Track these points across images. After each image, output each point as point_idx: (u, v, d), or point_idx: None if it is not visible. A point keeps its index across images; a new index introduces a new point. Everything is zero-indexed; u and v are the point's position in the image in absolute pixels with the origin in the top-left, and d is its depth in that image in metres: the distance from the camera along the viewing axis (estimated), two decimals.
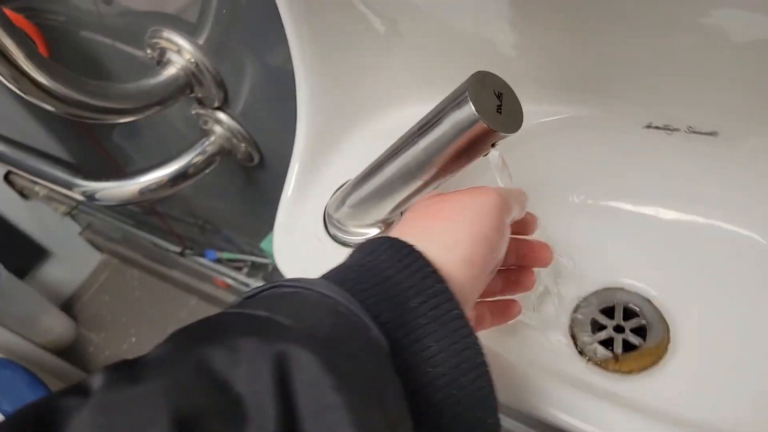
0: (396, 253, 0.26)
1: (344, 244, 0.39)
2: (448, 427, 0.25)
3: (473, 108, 0.28)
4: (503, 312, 0.35)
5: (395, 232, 0.29)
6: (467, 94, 0.28)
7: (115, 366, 0.21)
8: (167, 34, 0.50)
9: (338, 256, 0.31)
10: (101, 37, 0.58)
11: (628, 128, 0.39)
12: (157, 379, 0.19)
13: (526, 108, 0.29)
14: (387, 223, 0.38)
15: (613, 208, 0.41)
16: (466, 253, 0.27)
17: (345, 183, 0.40)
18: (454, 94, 0.29)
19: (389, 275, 0.26)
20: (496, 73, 0.30)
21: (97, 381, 0.20)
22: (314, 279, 0.26)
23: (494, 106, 0.28)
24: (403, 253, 0.26)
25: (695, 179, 0.38)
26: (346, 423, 0.19)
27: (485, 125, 0.28)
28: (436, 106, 0.30)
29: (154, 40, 0.51)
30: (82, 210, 1.27)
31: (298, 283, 0.25)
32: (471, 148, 0.30)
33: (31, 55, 0.42)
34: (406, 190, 0.34)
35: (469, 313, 0.28)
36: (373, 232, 0.38)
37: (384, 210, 0.36)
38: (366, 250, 0.27)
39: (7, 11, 0.56)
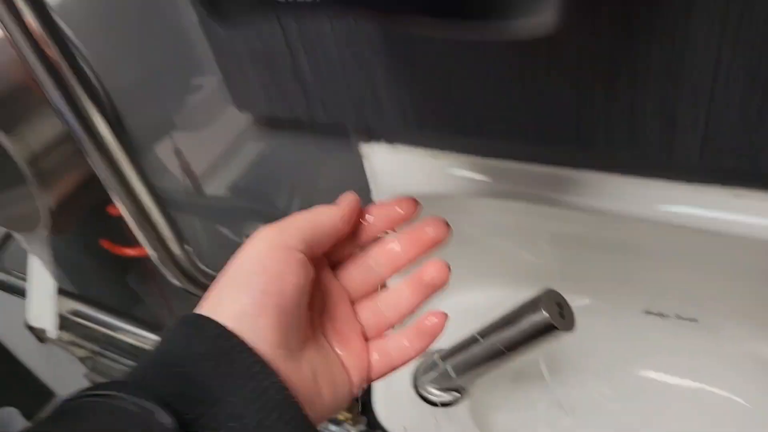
0: (186, 329, 0.27)
1: (425, 399, 0.51)
2: None
3: (546, 314, 0.41)
4: (421, 332, 0.34)
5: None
6: (541, 304, 0.41)
7: None
8: None
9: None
10: None
11: (631, 313, 0.52)
12: None
13: None
14: (462, 389, 0.50)
15: (617, 374, 0.54)
16: (239, 306, 0.28)
17: (429, 356, 0.52)
18: (530, 303, 0.42)
19: (182, 354, 0.26)
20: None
21: None
22: (100, 384, 0.26)
23: (557, 313, 0.42)
24: (191, 325, 0.27)
25: (684, 354, 0.51)
26: None
27: (553, 325, 0.41)
28: (515, 310, 0.43)
29: None
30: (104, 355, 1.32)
31: (88, 393, 0.25)
32: (538, 340, 0.42)
33: None
34: (484, 367, 0.46)
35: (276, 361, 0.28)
36: (450, 396, 0.50)
37: (465, 381, 0.48)
38: (163, 337, 0.28)
39: None
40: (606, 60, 0.32)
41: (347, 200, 0.34)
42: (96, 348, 1.26)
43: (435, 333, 0.34)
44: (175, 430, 0.23)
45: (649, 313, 0.51)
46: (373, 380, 0.34)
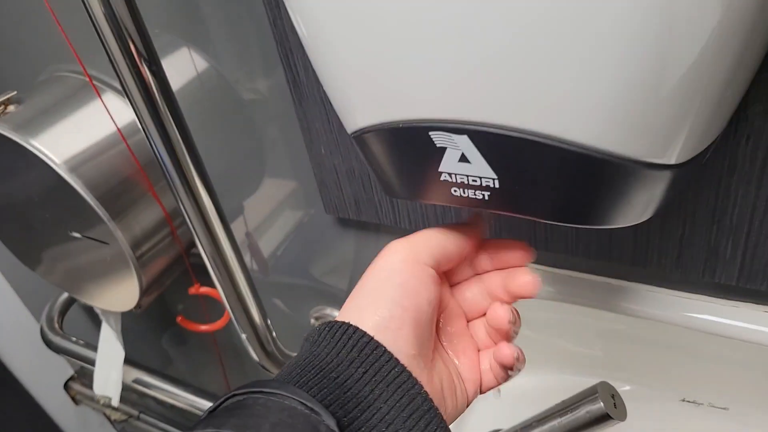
0: (333, 336, 0.28)
1: None
2: None
3: (602, 405, 0.47)
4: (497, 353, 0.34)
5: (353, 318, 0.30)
6: (598, 395, 0.48)
7: None
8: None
9: None
10: None
11: (668, 401, 0.58)
12: None
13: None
14: None
15: None
16: (379, 317, 0.29)
17: None
18: (586, 393, 0.49)
19: (330, 359, 0.27)
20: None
21: None
22: (268, 380, 0.27)
23: (611, 404, 0.48)
24: (338, 332, 0.28)
25: None
26: None
27: (609, 415, 0.47)
28: (571, 398, 0.50)
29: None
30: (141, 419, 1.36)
31: (250, 389, 0.26)
32: (592, 427, 0.49)
33: None
34: None
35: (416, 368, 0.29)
36: None
37: None
38: (309, 342, 0.29)
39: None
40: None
41: (476, 223, 0.34)
42: (133, 411, 1.31)
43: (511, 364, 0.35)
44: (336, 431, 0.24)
45: (684, 401, 0.58)
46: (483, 392, 0.35)
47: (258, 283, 0.63)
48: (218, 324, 0.73)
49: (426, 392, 0.27)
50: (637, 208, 0.26)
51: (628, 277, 0.47)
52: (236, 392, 0.26)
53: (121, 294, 0.69)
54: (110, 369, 0.82)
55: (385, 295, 0.29)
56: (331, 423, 0.24)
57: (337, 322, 0.29)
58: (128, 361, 0.83)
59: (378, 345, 0.27)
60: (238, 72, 0.59)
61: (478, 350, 0.36)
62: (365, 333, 0.28)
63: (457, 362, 0.34)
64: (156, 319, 0.91)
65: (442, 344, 0.35)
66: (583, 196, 0.25)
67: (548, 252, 0.47)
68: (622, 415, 0.48)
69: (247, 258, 0.75)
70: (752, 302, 0.43)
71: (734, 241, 0.39)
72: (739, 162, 0.35)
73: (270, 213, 0.71)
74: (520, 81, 0.22)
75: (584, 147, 0.23)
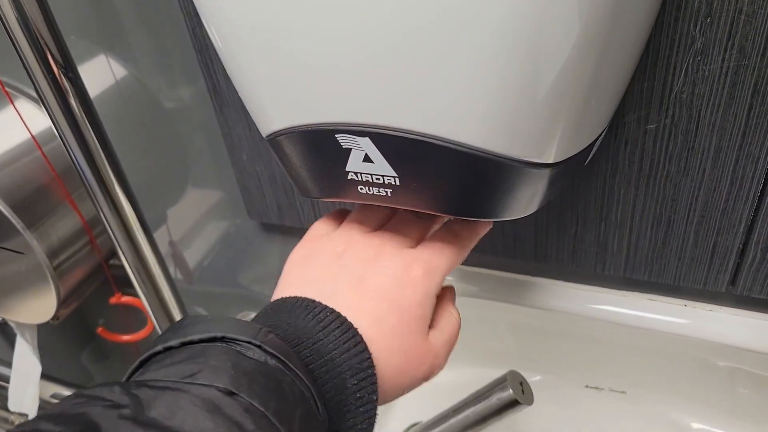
0: (342, 335, 0.29)
1: None
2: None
3: (511, 392, 0.51)
4: None
5: (347, 305, 0.30)
6: (507, 383, 0.51)
7: None
8: None
9: None
10: None
11: (574, 387, 0.63)
12: None
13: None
14: None
15: None
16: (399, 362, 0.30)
17: (410, 427, 0.61)
18: (497, 382, 0.52)
19: (334, 357, 0.28)
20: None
21: None
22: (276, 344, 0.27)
23: (520, 390, 0.52)
24: (348, 337, 0.29)
25: (616, 420, 0.62)
26: None
27: (517, 401, 0.51)
28: (483, 388, 0.53)
29: None
30: None
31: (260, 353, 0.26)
32: (504, 414, 0.52)
33: None
34: None
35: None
36: None
37: None
38: (317, 324, 0.29)
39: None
40: (557, 205, 0.44)
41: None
42: None
43: None
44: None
45: (587, 387, 0.63)
46: None
47: (183, 292, 0.63)
48: (142, 334, 0.72)
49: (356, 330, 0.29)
50: (522, 202, 0.29)
51: (532, 272, 0.51)
52: (239, 338, 0.27)
53: (37, 306, 0.67)
54: (26, 384, 0.79)
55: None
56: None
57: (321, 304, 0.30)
58: (45, 376, 0.80)
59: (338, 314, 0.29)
60: (158, 80, 0.60)
61: None
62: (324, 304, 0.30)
63: None
64: (75, 331, 0.89)
65: None
66: (474, 192, 0.28)
67: None
68: (530, 400, 0.52)
69: (171, 267, 0.75)
70: (638, 291, 0.48)
71: (619, 236, 0.43)
72: (620, 164, 0.40)
73: (195, 221, 0.72)
74: (413, 88, 0.25)
75: (472, 148, 0.26)
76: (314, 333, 0.29)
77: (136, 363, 0.27)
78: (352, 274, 0.32)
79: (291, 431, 0.24)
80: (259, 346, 0.26)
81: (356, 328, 0.29)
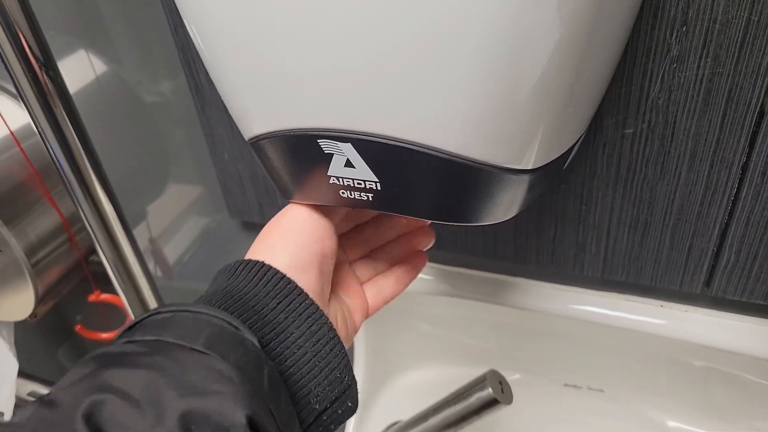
0: (249, 271, 0.32)
1: None
2: (317, 393, 0.30)
3: (491, 391, 0.51)
4: (407, 269, 0.41)
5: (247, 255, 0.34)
6: (486, 382, 0.52)
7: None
8: None
9: None
10: None
11: (553, 385, 0.64)
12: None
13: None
14: None
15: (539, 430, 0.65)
16: (290, 258, 0.32)
17: (390, 426, 0.61)
18: (477, 381, 0.53)
19: (247, 290, 0.31)
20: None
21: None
22: (190, 303, 0.30)
23: (499, 389, 0.52)
24: (254, 268, 0.32)
25: (594, 418, 0.63)
26: (232, 399, 0.24)
27: (496, 400, 0.51)
28: (464, 387, 0.53)
29: None
30: None
31: (177, 308, 0.29)
32: (483, 413, 0.53)
33: None
34: None
35: (322, 295, 0.33)
36: None
37: None
38: (225, 276, 0.33)
39: None
40: (537, 207, 0.44)
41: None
42: None
43: (418, 268, 0.42)
44: (258, 346, 0.28)
45: (566, 385, 0.63)
46: (370, 315, 0.41)
47: (163, 288, 0.63)
48: (119, 332, 0.72)
49: (330, 322, 0.32)
50: (502, 207, 0.29)
51: (512, 272, 0.52)
52: (160, 309, 0.29)
53: (14, 303, 0.67)
54: (2, 382, 0.78)
55: (296, 239, 0.33)
56: (252, 338, 0.28)
57: (252, 260, 0.32)
58: (23, 373, 0.79)
59: (290, 281, 0.31)
60: (140, 76, 0.59)
61: (361, 284, 0.41)
62: (279, 270, 0.32)
63: (344, 297, 0.39)
64: (53, 328, 0.88)
65: (333, 284, 0.39)
66: (454, 197, 0.28)
67: (439, 251, 0.51)
68: (509, 399, 0.52)
69: (151, 264, 0.75)
70: (616, 292, 0.49)
71: (597, 238, 0.44)
72: (598, 168, 0.40)
73: (175, 218, 0.71)
74: (394, 95, 0.25)
75: (452, 154, 0.26)
76: (229, 283, 0.32)
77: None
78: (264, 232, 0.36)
79: (194, 341, 0.26)
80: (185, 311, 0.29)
81: (259, 261, 0.32)
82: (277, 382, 0.28)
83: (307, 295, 0.31)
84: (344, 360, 0.32)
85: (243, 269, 0.32)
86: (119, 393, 0.24)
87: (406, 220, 0.42)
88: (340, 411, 0.32)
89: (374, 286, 0.41)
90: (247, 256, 0.34)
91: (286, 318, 0.30)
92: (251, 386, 0.26)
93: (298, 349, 0.30)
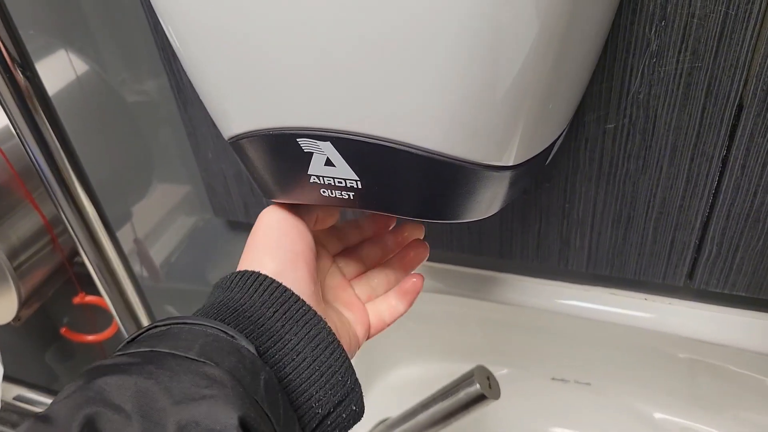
0: (244, 283, 0.32)
1: None
2: (318, 397, 0.30)
3: (478, 386, 0.51)
4: (405, 292, 0.40)
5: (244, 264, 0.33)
6: (474, 378, 0.52)
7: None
8: None
9: None
10: None
11: (540, 379, 0.64)
12: None
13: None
14: None
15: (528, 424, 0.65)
16: (278, 261, 0.32)
17: (379, 423, 0.61)
18: (464, 377, 0.53)
19: (243, 301, 0.31)
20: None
21: None
22: (187, 315, 0.29)
23: (487, 385, 0.52)
24: (249, 279, 0.32)
25: (581, 411, 0.63)
26: (223, 402, 0.24)
27: (484, 395, 0.51)
28: (451, 383, 0.54)
29: None
30: None
31: (173, 321, 0.29)
32: (472, 408, 0.53)
33: None
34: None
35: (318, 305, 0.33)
36: None
37: None
38: (221, 289, 0.32)
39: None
40: (521, 203, 0.44)
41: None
42: None
43: (416, 291, 0.41)
44: (256, 355, 0.28)
45: (554, 379, 0.64)
46: (371, 336, 0.40)
47: (149, 290, 0.63)
48: (106, 334, 0.71)
49: (329, 326, 0.31)
50: (483, 204, 0.29)
51: (498, 268, 0.52)
52: (157, 323, 0.29)
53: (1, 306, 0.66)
54: None
55: (277, 244, 0.33)
56: (250, 347, 0.28)
57: (245, 270, 0.32)
58: (8, 377, 0.78)
59: (286, 289, 0.31)
60: (121, 75, 0.59)
61: (362, 302, 0.41)
62: (273, 279, 0.31)
63: (345, 312, 0.39)
64: (38, 331, 0.87)
65: (330, 298, 0.39)
66: (435, 195, 0.28)
67: None
68: (497, 395, 0.52)
69: (136, 265, 0.74)
70: (600, 286, 0.49)
71: (581, 233, 0.44)
72: (581, 163, 0.41)
73: (160, 219, 0.71)
74: (373, 93, 0.25)
75: (432, 152, 0.26)
76: (226, 296, 0.32)
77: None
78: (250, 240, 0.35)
79: (188, 350, 0.26)
80: (183, 323, 0.29)
81: (254, 272, 0.32)
82: (275, 387, 0.28)
83: (303, 302, 0.31)
84: (345, 363, 0.32)
85: (238, 281, 0.32)
86: (112, 406, 0.23)
87: (399, 237, 0.42)
88: (344, 415, 0.32)
89: (374, 308, 0.40)
90: (240, 268, 0.33)
91: (283, 326, 0.30)
92: (244, 390, 0.25)
93: (297, 355, 0.30)
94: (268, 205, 0.35)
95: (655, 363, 0.56)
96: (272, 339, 0.30)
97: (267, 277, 0.31)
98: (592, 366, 0.61)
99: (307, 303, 0.31)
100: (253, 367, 0.27)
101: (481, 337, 0.63)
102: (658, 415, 0.59)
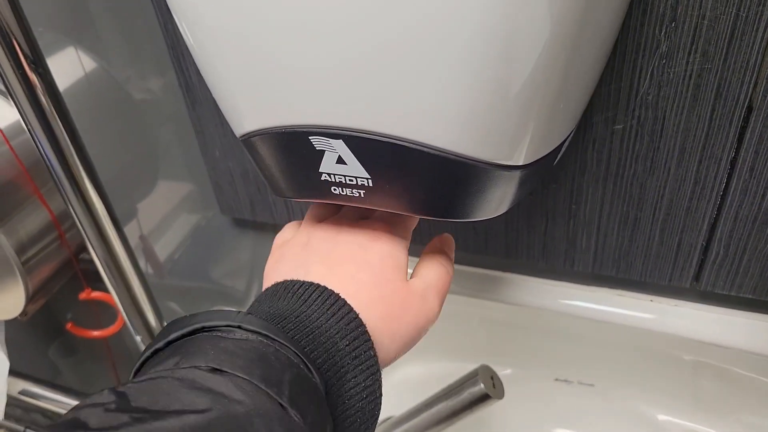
0: (324, 302, 0.30)
1: None
2: None
3: (482, 386, 0.52)
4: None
5: (320, 276, 0.31)
6: (478, 377, 0.52)
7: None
8: None
9: None
10: None
11: (544, 380, 0.64)
12: None
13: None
14: None
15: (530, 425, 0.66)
16: (380, 311, 0.31)
17: (382, 422, 0.61)
18: (468, 376, 0.53)
19: (320, 323, 0.29)
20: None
21: None
22: (259, 321, 0.27)
23: (491, 384, 0.53)
24: (331, 302, 0.30)
25: (585, 412, 0.64)
26: None
27: (488, 395, 0.52)
28: (455, 382, 0.54)
29: None
30: None
31: (236, 325, 0.27)
32: (476, 408, 0.53)
33: None
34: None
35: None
36: None
37: None
38: (297, 299, 0.30)
39: None
40: (527, 203, 0.44)
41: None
42: (17, 427, 1.23)
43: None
44: (323, 394, 0.27)
45: (557, 380, 0.64)
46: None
47: (154, 286, 0.63)
48: (111, 329, 0.72)
49: (381, 379, 0.30)
50: (493, 203, 0.29)
51: (503, 268, 0.52)
52: (218, 325, 0.27)
53: (4, 302, 0.66)
54: None
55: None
56: (322, 387, 0.27)
57: (326, 288, 0.30)
58: (14, 372, 0.79)
59: (361, 323, 0.30)
60: (129, 72, 0.59)
61: None
62: (352, 308, 0.30)
63: None
64: (44, 326, 0.87)
65: None
66: (446, 194, 0.28)
67: None
68: (500, 395, 0.53)
69: (142, 261, 0.74)
70: (606, 287, 0.49)
71: (587, 233, 0.44)
72: (588, 163, 0.41)
73: (166, 215, 0.71)
74: (386, 92, 0.25)
75: (444, 151, 0.26)
76: (297, 308, 0.29)
77: (133, 371, 0.28)
78: (320, 253, 0.33)
79: (281, 393, 0.24)
80: (238, 326, 0.27)
81: (334, 291, 0.30)
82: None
83: (372, 343, 0.30)
84: (376, 418, 0.31)
85: (318, 297, 0.30)
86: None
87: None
88: None
89: None
90: (326, 281, 0.31)
91: (350, 362, 0.29)
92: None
93: (349, 400, 0.29)
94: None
95: (660, 365, 0.56)
96: (337, 375, 0.28)
97: (345, 302, 0.30)
98: (596, 367, 0.61)
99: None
100: (323, 415, 0.26)
101: (486, 337, 0.63)
102: (661, 417, 0.59)
